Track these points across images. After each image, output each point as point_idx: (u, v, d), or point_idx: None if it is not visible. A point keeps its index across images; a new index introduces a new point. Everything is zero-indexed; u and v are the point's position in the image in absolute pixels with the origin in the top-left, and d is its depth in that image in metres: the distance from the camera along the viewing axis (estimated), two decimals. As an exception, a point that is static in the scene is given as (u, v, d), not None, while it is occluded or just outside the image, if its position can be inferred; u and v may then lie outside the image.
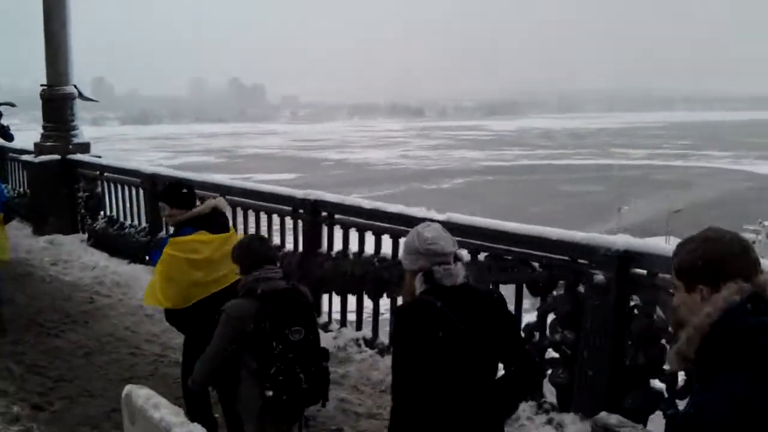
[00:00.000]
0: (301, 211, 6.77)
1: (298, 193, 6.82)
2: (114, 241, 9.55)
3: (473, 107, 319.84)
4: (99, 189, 10.19)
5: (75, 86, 10.92)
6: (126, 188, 9.62)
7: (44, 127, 10.98)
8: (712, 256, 2.04)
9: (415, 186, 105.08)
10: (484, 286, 4.30)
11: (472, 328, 2.60)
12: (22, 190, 11.93)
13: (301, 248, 6.87)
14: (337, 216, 6.54)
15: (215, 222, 4.64)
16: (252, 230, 7.44)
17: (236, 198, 7.36)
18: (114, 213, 9.92)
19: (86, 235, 10.39)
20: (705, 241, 2.10)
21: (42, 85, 10.90)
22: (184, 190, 4.61)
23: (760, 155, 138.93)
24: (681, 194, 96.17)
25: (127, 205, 9.67)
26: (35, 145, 11.02)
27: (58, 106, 10.82)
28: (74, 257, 9.65)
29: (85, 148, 10.98)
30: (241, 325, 3.50)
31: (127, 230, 9.42)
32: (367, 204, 6.28)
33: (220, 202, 4.77)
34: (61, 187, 10.64)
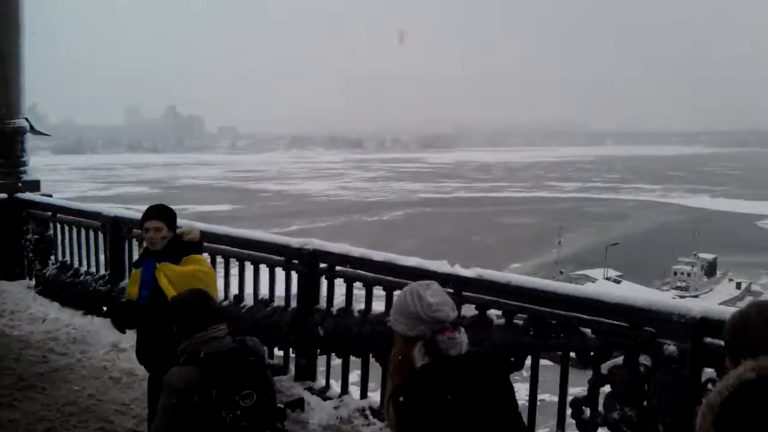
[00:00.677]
0: (296, 261, 6.07)
1: (294, 241, 6.11)
2: (67, 290, 8.59)
3: (410, 140, 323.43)
4: (50, 231, 9.24)
5: (26, 119, 9.99)
6: (83, 231, 8.69)
7: (-10, 163, 10.00)
8: (739, 330, 2.01)
9: (355, 218, 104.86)
10: (484, 351, 4.07)
11: (482, 404, 2.42)
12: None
13: (294, 304, 6.16)
14: (339, 268, 5.87)
15: (200, 246, 4.67)
16: (235, 283, 6.72)
17: (220, 246, 6.62)
18: (67, 258, 8.97)
19: (34, 282, 9.40)
20: (740, 315, 2.07)
21: (-12, 119, 9.95)
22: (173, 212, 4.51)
23: (688, 188, 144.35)
24: (616, 226, 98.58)
25: (83, 250, 8.73)
26: (-22, 182, 10.02)
27: (6, 140, 9.83)
28: (21, 307, 8.64)
29: (35, 186, 10.01)
30: (186, 396, 3.11)
31: (82, 277, 8.48)
32: (377, 255, 5.60)
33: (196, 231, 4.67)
34: (6, 228, 9.62)
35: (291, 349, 6.26)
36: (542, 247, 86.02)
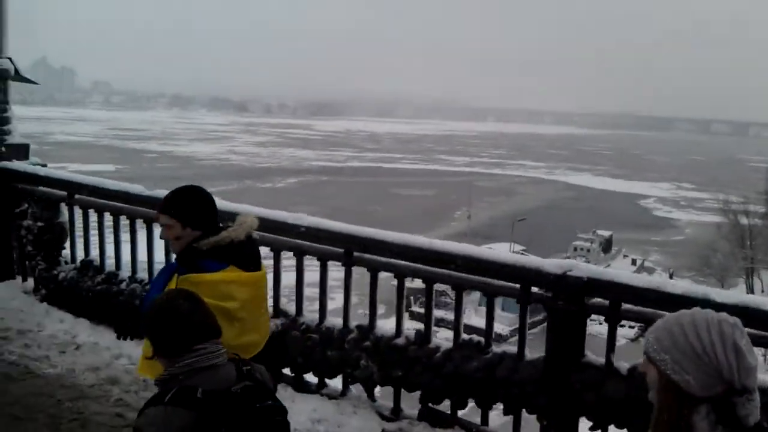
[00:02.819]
0: (548, 293, 4.17)
1: (550, 264, 4.18)
2: (98, 301, 6.20)
3: (296, 106, 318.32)
4: (62, 218, 6.74)
5: (10, 59, 7.33)
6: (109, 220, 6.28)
7: (-43, 120, 7.26)
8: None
9: (249, 184, 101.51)
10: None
11: None
12: None
13: (544, 353, 4.27)
14: (626, 307, 4.03)
15: (246, 253, 3.23)
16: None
17: (389, 260, 4.61)
18: (93, 256, 6.53)
19: (32, 284, 6.90)
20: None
21: (-43, 56, 7.22)
22: (207, 203, 3.20)
23: (570, 167, 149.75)
24: (509, 201, 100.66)
25: (113, 247, 6.34)
26: (-61, 143, 7.27)
27: (-19, 87, 7.18)
28: (31, 324, 6.19)
29: (22, 151, 7.37)
30: None
31: (124, 285, 6.11)
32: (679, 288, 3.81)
33: (255, 222, 3.31)
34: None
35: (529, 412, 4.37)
36: (442, 220, 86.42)
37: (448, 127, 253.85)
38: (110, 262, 6.43)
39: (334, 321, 4.99)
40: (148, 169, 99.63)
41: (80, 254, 6.68)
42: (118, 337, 5.95)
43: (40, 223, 6.69)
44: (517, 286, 4.29)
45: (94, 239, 6.54)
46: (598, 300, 4.10)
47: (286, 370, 5.20)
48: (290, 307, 5.24)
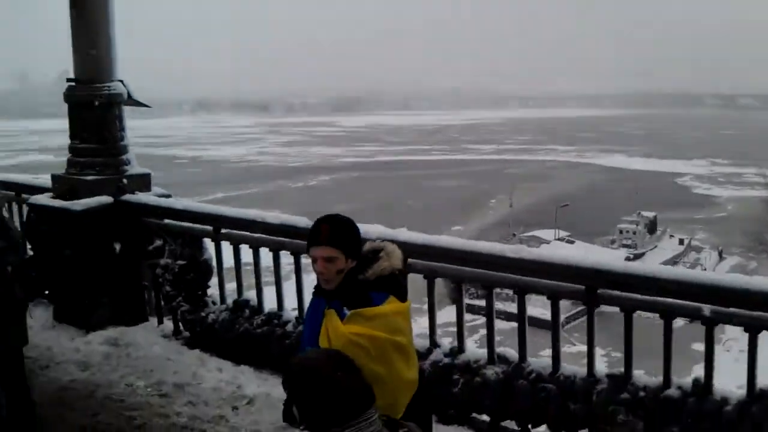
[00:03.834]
0: None
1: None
2: (255, 345, 5.56)
3: (318, 103, 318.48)
4: (206, 255, 6.09)
5: (122, 82, 6.70)
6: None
7: (75, 150, 6.63)
8: None
9: (282, 184, 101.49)
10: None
11: None
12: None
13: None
14: None
15: (402, 283, 3.02)
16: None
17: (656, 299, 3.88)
18: (248, 295, 5.88)
19: (169, 326, 6.30)
20: None
21: (69, 81, 6.58)
22: (358, 231, 2.97)
23: (602, 149, 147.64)
24: (543, 187, 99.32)
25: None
26: (59, 179, 6.66)
27: (101, 114, 6.52)
28: (187, 376, 5.51)
29: (144, 181, 6.75)
30: None
31: (293, 328, 5.42)
32: None
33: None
34: (112, 248, 6.41)
35: None
36: (478, 210, 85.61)
37: (471, 116, 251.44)
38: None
39: (574, 369, 4.27)
40: (180, 174, 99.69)
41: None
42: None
43: (180, 261, 6.05)
44: None
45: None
46: None
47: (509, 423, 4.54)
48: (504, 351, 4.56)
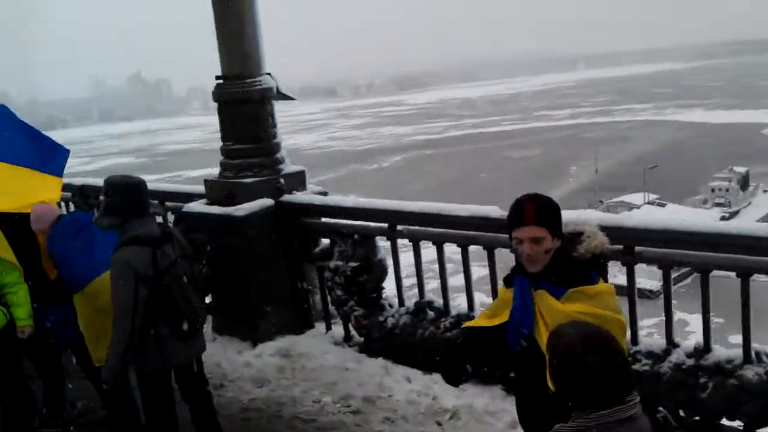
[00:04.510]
0: None
1: None
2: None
3: (384, 83, 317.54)
4: (380, 255, 5.70)
5: (270, 75, 6.35)
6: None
7: (229, 152, 6.33)
8: None
9: (355, 167, 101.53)
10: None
11: None
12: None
13: None
14: None
15: (601, 264, 3.17)
16: None
17: None
18: (430, 297, 5.48)
19: (339, 332, 5.96)
20: None
21: (218, 78, 6.27)
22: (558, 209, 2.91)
23: (679, 104, 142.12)
24: (624, 149, 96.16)
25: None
26: (214, 184, 6.38)
27: (253, 111, 6.18)
28: (370, 386, 5.16)
29: (299, 179, 6.41)
30: None
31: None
32: None
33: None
34: (276, 252, 6.10)
35: None
36: (558, 178, 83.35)
37: (540, 81, 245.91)
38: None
39: None
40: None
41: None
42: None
43: (353, 263, 5.67)
44: None
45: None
46: None
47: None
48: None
